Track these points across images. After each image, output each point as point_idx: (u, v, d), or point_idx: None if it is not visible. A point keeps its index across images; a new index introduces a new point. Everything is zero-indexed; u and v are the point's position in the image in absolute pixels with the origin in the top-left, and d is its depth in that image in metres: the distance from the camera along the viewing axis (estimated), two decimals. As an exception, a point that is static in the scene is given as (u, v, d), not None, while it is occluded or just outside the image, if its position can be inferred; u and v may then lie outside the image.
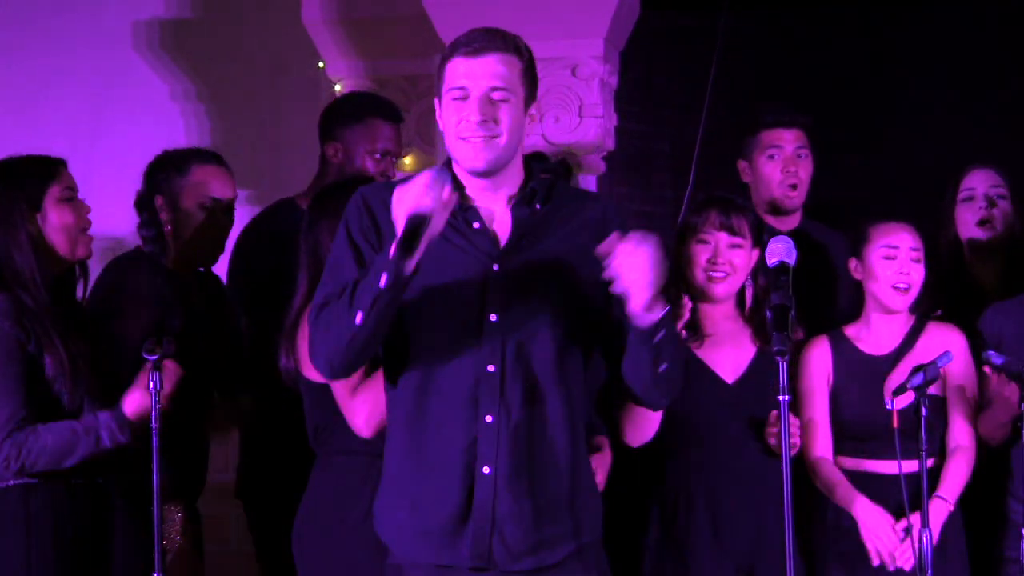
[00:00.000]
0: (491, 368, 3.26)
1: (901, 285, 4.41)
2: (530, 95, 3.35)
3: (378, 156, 5.04)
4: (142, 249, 4.48)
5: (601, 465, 4.14)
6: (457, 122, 3.29)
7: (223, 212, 4.53)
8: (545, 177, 3.41)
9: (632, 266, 3.14)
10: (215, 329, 4.55)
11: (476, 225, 3.29)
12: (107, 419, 3.94)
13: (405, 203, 3.13)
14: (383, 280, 3.11)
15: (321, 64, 6.08)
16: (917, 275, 4.43)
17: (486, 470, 3.25)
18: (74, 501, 4.00)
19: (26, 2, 6.40)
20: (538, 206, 3.34)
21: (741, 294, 4.44)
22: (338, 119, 5.07)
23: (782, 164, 4.99)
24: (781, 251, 3.54)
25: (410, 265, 3.12)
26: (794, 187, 4.98)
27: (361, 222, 3.31)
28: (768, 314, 3.41)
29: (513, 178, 3.35)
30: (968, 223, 4.78)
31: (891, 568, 4.28)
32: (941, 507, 4.30)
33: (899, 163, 5.91)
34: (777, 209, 5.02)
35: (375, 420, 3.83)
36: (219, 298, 4.68)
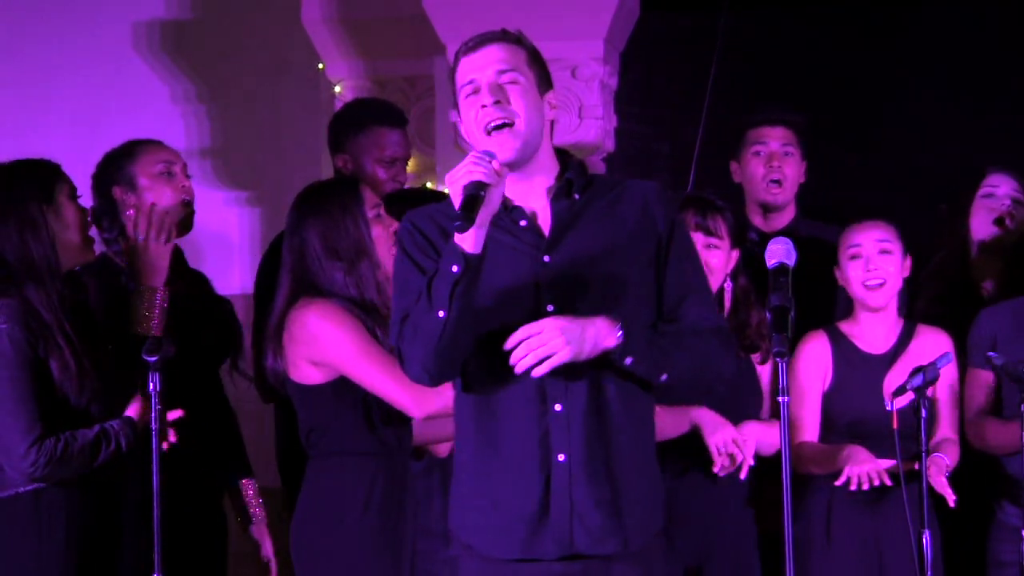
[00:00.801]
0: None
1: (871, 282, 4.43)
2: (542, 81, 3.38)
3: (386, 163, 5.05)
4: (106, 254, 4.47)
5: None
6: (476, 117, 3.30)
7: (183, 175, 4.53)
8: (580, 165, 3.42)
9: (536, 345, 3.18)
10: (206, 321, 4.55)
11: (523, 223, 3.32)
12: (122, 425, 3.97)
13: (458, 180, 3.16)
14: (455, 268, 3.14)
15: (321, 65, 6.08)
16: (888, 267, 4.44)
17: (561, 458, 3.27)
18: (85, 503, 4.01)
19: (26, 3, 6.40)
20: (576, 196, 3.36)
21: (720, 299, 4.43)
22: (343, 130, 5.09)
23: (766, 160, 5.01)
24: (780, 252, 3.53)
25: (477, 244, 3.15)
26: (778, 183, 4.99)
27: (415, 240, 3.34)
28: (768, 315, 3.41)
29: (548, 169, 3.38)
30: (984, 220, 4.80)
31: (875, 483, 4.25)
32: (938, 461, 4.29)
33: (899, 163, 5.91)
34: (767, 207, 5.03)
35: (426, 403, 3.86)
36: (202, 290, 4.67)
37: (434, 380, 3.31)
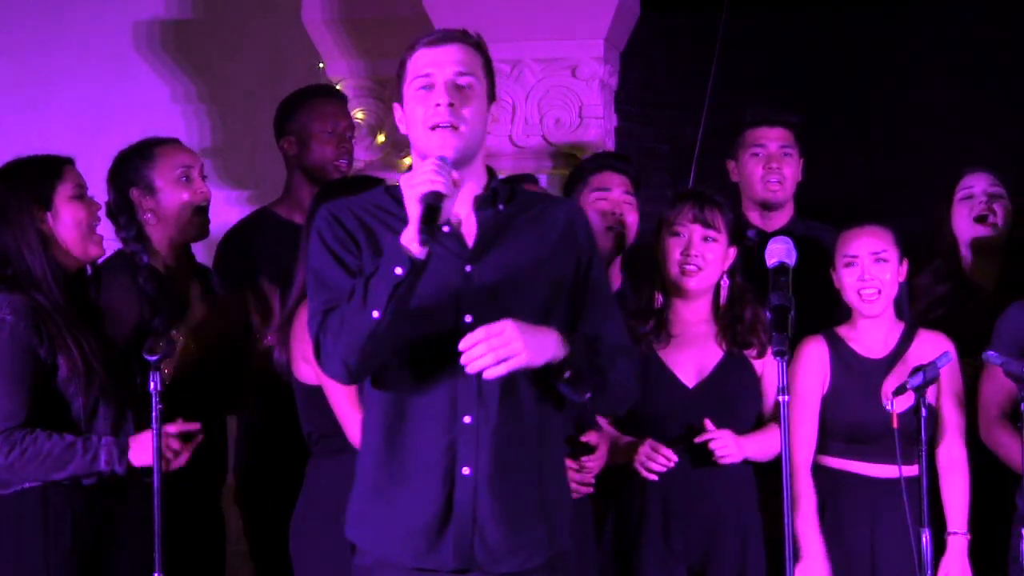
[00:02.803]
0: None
1: (866, 291, 4.42)
2: (491, 92, 3.36)
3: (331, 134, 5.07)
4: (123, 251, 4.48)
5: (595, 460, 4.15)
6: (424, 111, 3.27)
7: (200, 178, 4.54)
8: (505, 179, 3.43)
9: (497, 345, 3.15)
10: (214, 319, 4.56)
11: (445, 228, 3.27)
12: (109, 444, 3.95)
13: (416, 187, 3.12)
14: (399, 270, 3.11)
15: (321, 64, 6.09)
16: (883, 275, 4.42)
17: (466, 471, 3.24)
18: (92, 501, 4.01)
19: (26, 3, 6.40)
20: (501, 207, 3.35)
21: (717, 299, 4.43)
22: (283, 115, 5.15)
23: (764, 161, 5.02)
24: (781, 251, 3.54)
25: (424, 251, 3.12)
26: (779, 182, 5.00)
27: (335, 232, 3.31)
28: (768, 315, 3.41)
29: (477, 179, 3.36)
30: (966, 221, 4.79)
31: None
32: (959, 543, 4.33)
33: (899, 163, 5.91)
34: (765, 206, 5.04)
35: None
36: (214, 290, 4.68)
37: (352, 377, 3.25)
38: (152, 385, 3.83)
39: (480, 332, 3.15)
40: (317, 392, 4.00)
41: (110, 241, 4.38)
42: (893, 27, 5.98)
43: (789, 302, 3.40)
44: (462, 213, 3.31)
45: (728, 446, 4.26)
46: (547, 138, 5.65)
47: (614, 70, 5.75)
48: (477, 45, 3.35)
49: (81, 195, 4.16)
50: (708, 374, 4.36)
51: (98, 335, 4.08)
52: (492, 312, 3.22)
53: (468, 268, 3.28)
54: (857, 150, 5.96)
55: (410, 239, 3.10)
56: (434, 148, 3.24)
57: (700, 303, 4.42)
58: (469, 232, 3.32)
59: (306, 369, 4.03)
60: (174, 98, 6.35)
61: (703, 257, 4.34)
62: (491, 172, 3.40)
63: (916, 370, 4.04)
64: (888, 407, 4.06)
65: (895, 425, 4.01)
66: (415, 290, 3.16)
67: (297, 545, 4.10)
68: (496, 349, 3.14)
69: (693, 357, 4.37)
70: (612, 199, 4.74)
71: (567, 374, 3.23)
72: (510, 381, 3.24)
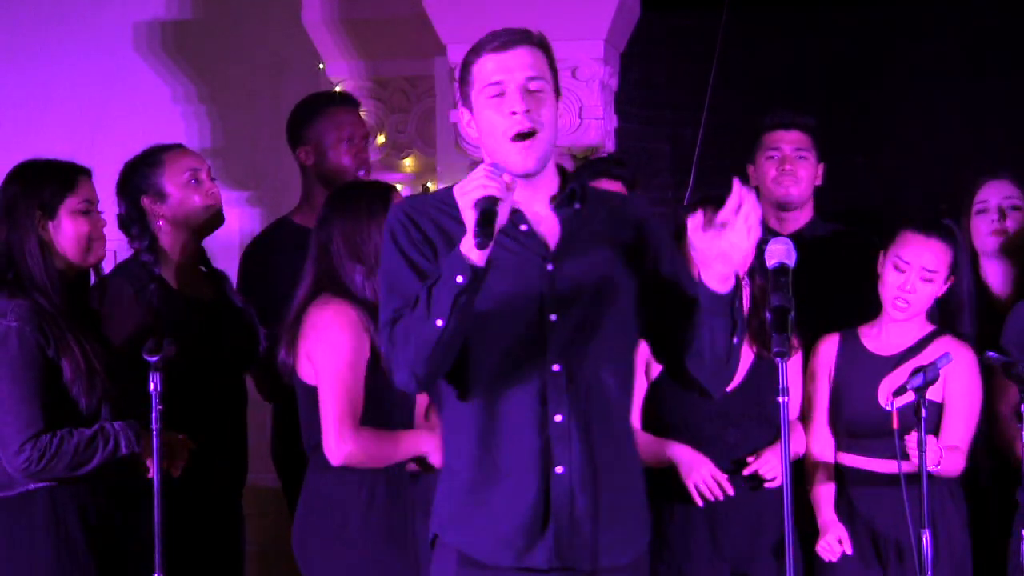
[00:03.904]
0: (556, 368, 3.24)
1: (900, 302, 4.41)
2: (557, 90, 3.35)
3: (347, 142, 5.07)
4: (132, 262, 4.49)
5: None
6: (502, 120, 3.24)
7: (209, 180, 4.56)
8: (576, 175, 3.42)
9: (741, 231, 3.16)
10: (230, 325, 4.56)
11: (524, 228, 3.27)
12: (123, 427, 3.98)
13: (470, 194, 3.09)
14: (461, 279, 3.09)
15: (321, 65, 6.08)
16: (924, 293, 4.41)
17: (560, 470, 3.24)
18: (101, 501, 4.02)
19: (26, 5, 6.40)
20: (578, 205, 3.34)
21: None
22: (297, 123, 5.14)
23: (779, 163, 5.01)
24: (780, 252, 3.52)
25: (484, 257, 3.09)
26: (792, 183, 4.99)
27: (408, 234, 3.27)
28: (768, 316, 3.40)
29: (551, 178, 3.34)
30: (983, 235, 4.78)
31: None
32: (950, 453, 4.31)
33: (901, 164, 5.91)
34: (780, 207, 5.03)
35: (345, 452, 3.90)
36: (228, 294, 4.68)
37: (421, 386, 3.24)
38: (152, 385, 3.84)
39: (739, 194, 3.15)
40: (316, 390, 4.01)
41: (112, 250, 4.38)
42: (895, 27, 5.98)
43: (789, 303, 3.39)
44: (538, 211, 3.30)
45: (775, 467, 4.26)
46: (547, 139, 5.63)
47: (614, 71, 5.75)
48: (541, 44, 3.33)
49: (88, 210, 4.14)
50: (743, 378, 4.36)
51: (99, 338, 4.09)
52: (576, 310, 3.23)
53: (550, 267, 3.26)
54: (859, 150, 5.96)
55: (469, 248, 3.08)
56: (515, 162, 3.22)
57: None
58: (548, 231, 3.30)
59: (309, 369, 4.03)
60: (174, 99, 6.35)
61: None
62: (563, 171, 3.38)
63: (916, 371, 4.04)
64: (887, 407, 4.06)
65: (895, 425, 4.01)
66: (496, 289, 3.16)
67: (302, 547, 4.09)
68: (748, 217, 3.15)
69: None
70: None
71: (738, 301, 3.22)
72: (596, 378, 3.25)
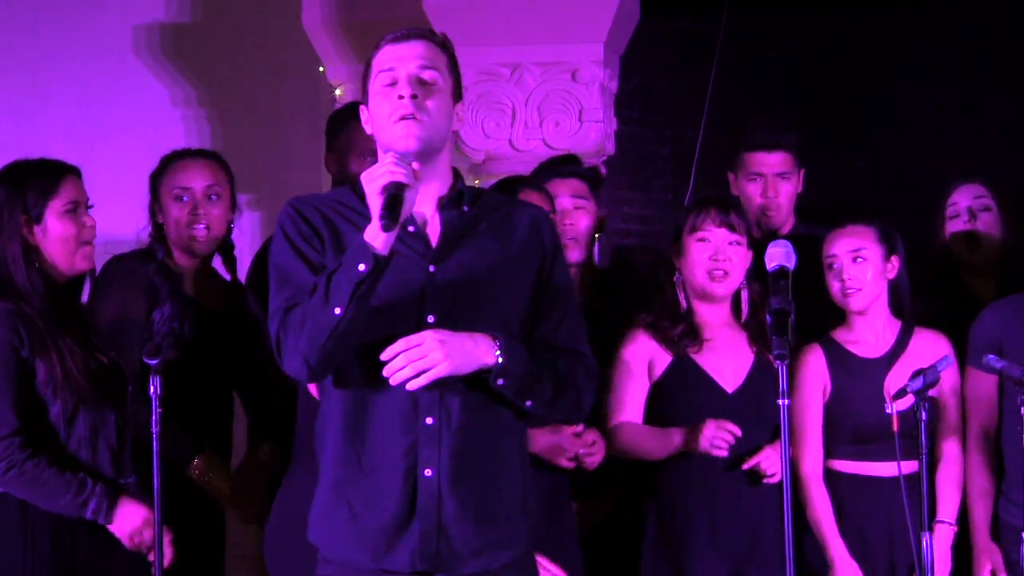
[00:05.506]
0: None
1: (847, 290, 4.42)
2: (456, 91, 3.36)
3: (371, 156, 5.07)
4: (126, 255, 4.53)
5: (596, 454, 4.16)
6: (388, 105, 3.28)
7: (203, 200, 4.54)
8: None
9: (416, 356, 3.15)
10: (232, 333, 4.57)
11: (411, 228, 3.27)
12: (100, 494, 3.89)
13: (377, 180, 3.12)
14: (363, 267, 3.09)
15: (321, 68, 6.09)
16: (863, 274, 4.40)
17: (428, 473, 3.22)
18: None
19: (26, 7, 6.40)
20: (466, 208, 3.33)
21: (736, 299, 4.43)
22: (329, 132, 5.14)
23: (762, 188, 4.97)
24: (780, 255, 3.53)
25: (387, 245, 3.10)
26: (775, 208, 4.96)
27: (297, 226, 3.29)
28: (768, 318, 3.40)
29: (443, 179, 3.34)
30: (956, 238, 4.80)
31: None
32: (946, 532, 4.33)
33: (900, 165, 5.92)
34: (760, 226, 5.01)
35: None
36: (239, 302, 4.68)
37: (313, 374, 3.22)
38: (152, 389, 3.81)
39: (399, 344, 3.15)
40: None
41: (99, 247, 4.37)
42: (894, 30, 5.99)
43: (789, 306, 3.39)
44: (427, 214, 3.30)
45: (775, 463, 4.26)
46: (547, 142, 5.64)
47: (614, 74, 5.75)
48: (442, 43, 3.38)
49: (75, 210, 4.02)
50: (744, 379, 4.36)
51: (84, 343, 4.02)
52: (454, 312, 3.22)
53: (431, 268, 3.26)
54: (857, 152, 5.97)
55: (374, 235, 3.10)
56: (398, 139, 3.24)
57: (723, 307, 4.42)
58: (433, 233, 3.30)
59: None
60: (174, 102, 6.35)
61: (731, 261, 4.35)
62: (457, 174, 3.39)
63: (916, 374, 4.02)
64: (889, 410, 4.05)
65: (896, 428, 4.00)
66: (377, 288, 3.14)
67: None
68: (414, 361, 3.14)
69: (727, 362, 4.37)
70: (560, 208, 4.65)
71: (500, 382, 3.21)
72: (473, 382, 3.22)
